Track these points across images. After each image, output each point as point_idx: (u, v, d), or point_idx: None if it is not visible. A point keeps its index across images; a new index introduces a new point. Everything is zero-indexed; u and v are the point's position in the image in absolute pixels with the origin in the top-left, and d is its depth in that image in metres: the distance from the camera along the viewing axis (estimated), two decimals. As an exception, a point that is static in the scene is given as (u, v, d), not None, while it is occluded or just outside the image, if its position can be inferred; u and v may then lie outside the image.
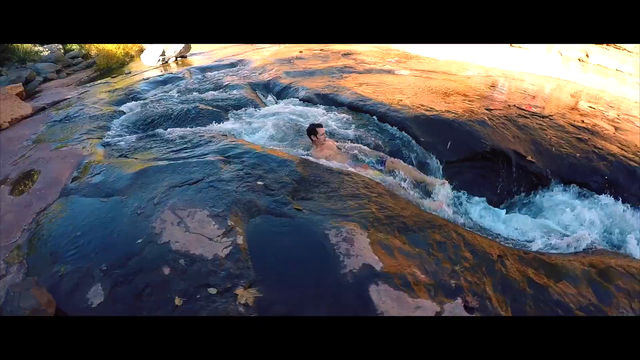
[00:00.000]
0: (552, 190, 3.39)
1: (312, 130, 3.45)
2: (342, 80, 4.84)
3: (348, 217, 2.34)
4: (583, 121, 4.15)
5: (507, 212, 3.18)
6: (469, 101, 4.30)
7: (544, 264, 2.35)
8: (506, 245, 2.60)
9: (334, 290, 1.89)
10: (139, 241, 2.25)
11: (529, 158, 3.48)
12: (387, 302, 1.85)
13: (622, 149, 3.71)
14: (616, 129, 4.16)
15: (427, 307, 1.87)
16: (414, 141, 3.63)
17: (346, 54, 6.05)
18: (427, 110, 3.90)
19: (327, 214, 2.37)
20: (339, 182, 2.71)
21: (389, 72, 5.19)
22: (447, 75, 5.27)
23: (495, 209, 3.22)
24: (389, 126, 3.83)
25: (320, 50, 6.43)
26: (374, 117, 3.96)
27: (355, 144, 3.58)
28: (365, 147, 3.56)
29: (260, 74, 5.36)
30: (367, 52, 6.33)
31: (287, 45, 7.19)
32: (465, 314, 1.93)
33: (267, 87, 4.94)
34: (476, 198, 3.32)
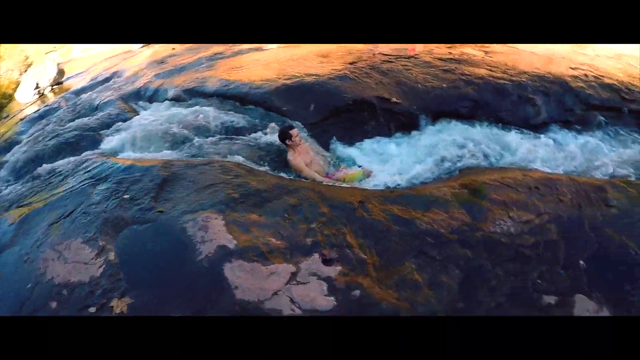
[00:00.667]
0: (421, 125, 3.65)
1: (285, 134, 3.30)
2: (211, 69, 4.91)
3: (204, 205, 2.56)
4: (450, 52, 4.40)
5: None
6: (332, 60, 4.54)
7: (410, 198, 2.46)
8: (372, 189, 2.78)
9: (190, 281, 2.06)
10: (29, 286, 2.35)
11: (394, 100, 3.74)
12: (241, 276, 2.02)
13: (490, 71, 3.96)
14: (486, 53, 4.41)
15: (281, 271, 2.02)
16: (274, 114, 3.84)
17: (217, 40, 6.05)
18: (287, 80, 4.10)
19: (186, 208, 2.57)
20: (197, 174, 2.90)
21: (257, 49, 5.31)
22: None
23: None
24: (252, 106, 4.01)
25: (193, 41, 6.36)
26: (237, 101, 4.11)
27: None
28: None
29: (132, 82, 5.29)
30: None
31: (161, 45, 7.05)
32: (324, 268, 2.04)
33: (138, 95, 4.92)
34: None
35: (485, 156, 3.15)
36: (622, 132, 3.47)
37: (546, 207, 2.37)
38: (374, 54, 4.47)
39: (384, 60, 4.30)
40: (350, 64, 4.26)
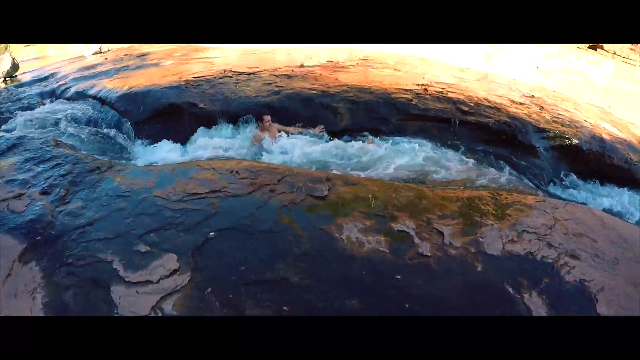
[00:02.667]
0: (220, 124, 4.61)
1: (258, 117, 4.25)
2: (110, 78, 6.04)
3: None
4: (292, 70, 5.38)
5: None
6: (180, 73, 5.50)
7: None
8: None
9: None
10: None
11: (201, 105, 4.68)
12: None
13: (310, 85, 4.77)
14: (334, 71, 5.28)
15: None
16: (114, 111, 4.83)
17: (142, 55, 7.27)
18: (136, 87, 5.12)
19: None
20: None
21: (157, 64, 6.41)
22: (211, 60, 6.52)
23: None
24: (107, 106, 5.04)
25: (125, 54, 7.63)
26: (97, 101, 5.19)
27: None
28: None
29: (56, 82, 6.48)
30: (162, 51, 7.55)
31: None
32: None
33: (53, 93, 6.11)
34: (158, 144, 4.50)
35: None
36: (414, 141, 4.07)
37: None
38: (224, 71, 5.39)
39: (226, 76, 5.20)
40: (192, 77, 5.19)
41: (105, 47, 8.78)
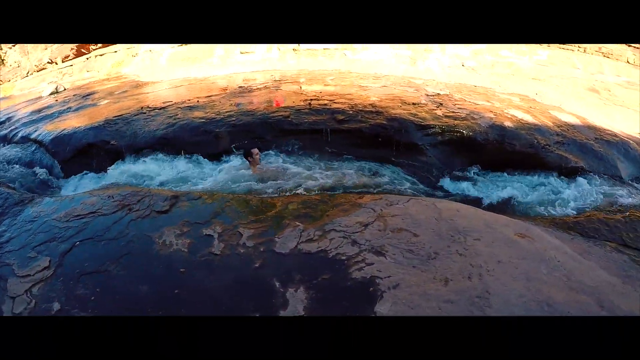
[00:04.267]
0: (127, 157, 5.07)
1: (248, 153, 4.23)
2: (52, 121, 6.61)
3: None
4: (198, 100, 5.83)
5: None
6: (109, 114, 6.01)
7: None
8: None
9: None
10: None
11: (112, 142, 5.20)
12: None
13: (204, 114, 5.26)
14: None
15: None
16: (47, 153, 5.36)
17: (87, 95, 7.87)
18: (64, 130, 5.64)
19: None
20: None
21: (95, 104, 6.98)
22: (143, 95, 7.05)
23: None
24: (43, 148, 5.57)
25: (75, 94, 8.22)
26: (37, 144, 5.75)
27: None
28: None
29: (8, 127, 7.11)
30: (106, 89, 8.12)
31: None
32: None
33: (5, 137, 6.70)
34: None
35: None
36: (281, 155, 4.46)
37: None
38: (142, 107, 5.89)
39: (141, 112, 5.69)
40: (114, 116, 5.69)
41: (62, 86, 9.40)
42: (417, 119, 4.80)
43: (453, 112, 5.34)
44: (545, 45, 10.29)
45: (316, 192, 3.51)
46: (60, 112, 7.12)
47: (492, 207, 4.09)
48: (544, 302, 2.14)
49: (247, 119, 4.73)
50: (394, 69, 7.93)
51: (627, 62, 11.03)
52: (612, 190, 4.63)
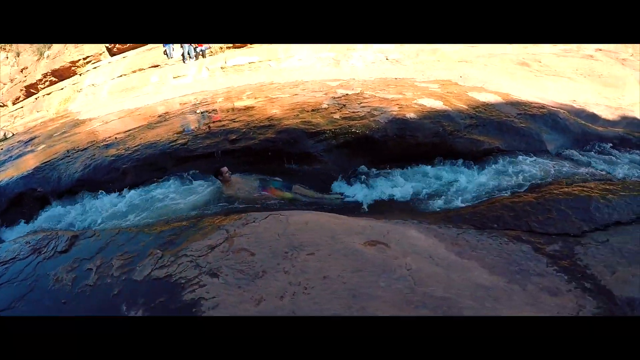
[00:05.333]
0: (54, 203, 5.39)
1: (216, 172, 4.22)
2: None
3: None
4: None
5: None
6: (38, 161, 6.36)
7: None
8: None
9: None
10: None
11: (39, 190, 5.55)
12: None
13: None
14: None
15: None
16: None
17: (28, 140, 8.20)
18: (2, 180, 5.99)
19: None
20: None
21: (32, 150, 7.31)
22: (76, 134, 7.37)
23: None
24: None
25: (19, 140, 8.57)
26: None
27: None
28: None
29: None
30: (47, 132, 8.43)
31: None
32: None
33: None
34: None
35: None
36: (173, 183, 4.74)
37: None
38: (67, 150, 6.23)
39: (67, 156, 6.03)
40: (42, 163, 6.04)
41: (9, 132, 9.73)
42: (309, 127, 5.03)
43: (354, 112, 5.53)
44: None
45: (189, 217, 3.84)
46: (3, 162, 7.48)
47: (382, 206, 4.08)
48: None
49: (150, 152, 5.03)
50: (318, 73, 8.16)
51: (567, 29, 11.29)
52: (532, 167, 4.55)
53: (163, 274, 2.89)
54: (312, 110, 5.63)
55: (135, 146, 5.30)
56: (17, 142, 8.46)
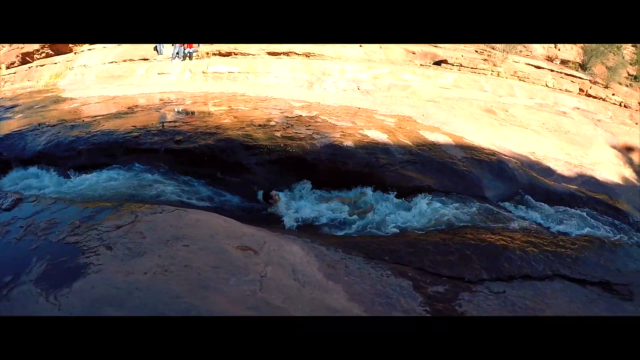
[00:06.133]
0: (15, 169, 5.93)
1: (266, 196, 4.68)
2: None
3: None
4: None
5: None
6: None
7: None
8: None
9: None
10: None
11: (4, 154, 6.08)
12: None
13: None
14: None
15: None
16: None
17: (10, 107, 8.76)
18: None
19: None
20: None
21: (10, 117, 7.87)
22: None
23: None
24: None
25: None
26: None
27: None
28: None
29: None
30: (31, 102, 9.00)
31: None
32: None
33: None
34: None
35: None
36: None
37: None
38: (39, 124, 6.78)
39: (36, 128, 6.59)
40: (16, 130, 6.59)
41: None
42: (248, 140, 5.64)
43: (296, 133, 6.09)
44: (456, 69, 10.75)
45: (116, 200, 4.41)
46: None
47: (299, 223, 4.36)
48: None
49: (106, 139, 5.63)
50: (289, 92, 8.76)
51: (546, 85, 11.71)
52: (459, 210, 4.79)
53: (73, 240, 3.22)
54: (259, 125, 6.24)
55: (96, 131, 5.89)
56: (1, 106, 9.01)
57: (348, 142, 5.88)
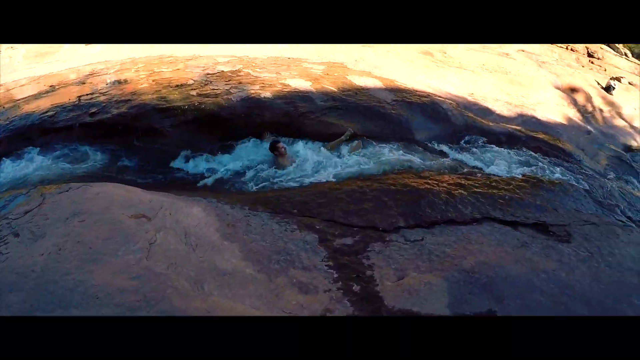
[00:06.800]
0: None
1: (272, 147, 4.67)
2: None
3: None
4: None
5: None
6: None
7: None
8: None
9: None
10: None
11: None
12: None
13: None
14: None
15: None
16: None
17: None
18: None
19: None
20: None
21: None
22: None
23: None
24: None
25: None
26: None
27: None
28: None
29: None
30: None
31: None
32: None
33: None
34: None
35: None
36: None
37: None
38: None
39: None
40: None
41: None
42: (162, 103, 5.61)
43: (214, 89, 6.03)
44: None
45: (30, 185, 4.48)
46: None
47: (217, 182, 4.52)
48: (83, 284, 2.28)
49: (22, 123, 5.57)
50: (218, 48, 8.44)
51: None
52: (382, 155, 4.76)
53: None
54: (176, 86, 6.14)
55: (14, 117, 5.92)
56: None
57: (266, 94, 5.84)
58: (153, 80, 6.46)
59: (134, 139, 5.29)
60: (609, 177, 6.44)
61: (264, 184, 4.38)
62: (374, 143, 5.18)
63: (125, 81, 6.45)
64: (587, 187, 4.85)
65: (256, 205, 3.41)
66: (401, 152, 4.96)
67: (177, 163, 5.06)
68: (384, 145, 5.06)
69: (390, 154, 4.87)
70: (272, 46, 8.78)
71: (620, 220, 4.08)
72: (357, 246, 2.82)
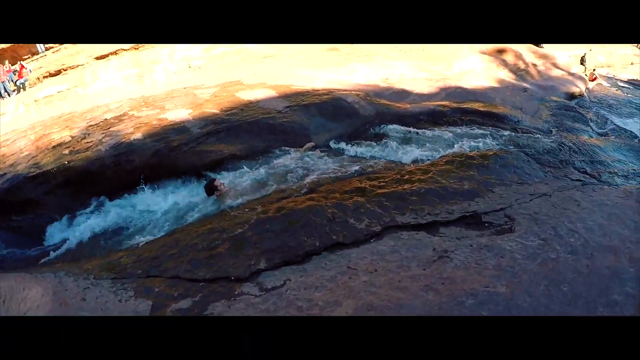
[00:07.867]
0: None
1: (211, 188, 4.17)
2: None
3: None
4: None
5: None
6: None
7: None
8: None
9: None
10: None
11: None
12: None
13: None
14: None
15: None
16: None
17: None
18: None
19: None
20: None
21: None
22: None
23: None
24: None
25: None
26: None
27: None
28: None
29: None
30: None
31: None
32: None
33: None
34: None
35: None
36: None
37: None
38: None
39: None
40: None
41: None
42: (34, 170, 5.43)
43: (88, 142, 5.85)
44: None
45: None
46: None
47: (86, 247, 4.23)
48: None
49: None
50: (118, 94, 8.48)
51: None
52: (263, 175, 4.39)
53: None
54: (55, 146, 6.05)
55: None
56: None
57: (137, 135, 5.65)
58: (36, 146, 6.50)
59: (11, 216, 5.03)
60: (554, 131, 5.73)
61: (129, 242, 4.02)
62: (255, 162, 4.82)
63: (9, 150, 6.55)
64: (530, 151, 4.13)
65: (102, 272, 3.10)
66: (289, 163, 4.47)
67: (49, 231, 4.80)
68: (267, 161, 4.63)
69: (272, 170, 4.38)
70: (171, 80, 8.92)
71: (578, 180, 3.36)
72: (194, 309, 2.34)
